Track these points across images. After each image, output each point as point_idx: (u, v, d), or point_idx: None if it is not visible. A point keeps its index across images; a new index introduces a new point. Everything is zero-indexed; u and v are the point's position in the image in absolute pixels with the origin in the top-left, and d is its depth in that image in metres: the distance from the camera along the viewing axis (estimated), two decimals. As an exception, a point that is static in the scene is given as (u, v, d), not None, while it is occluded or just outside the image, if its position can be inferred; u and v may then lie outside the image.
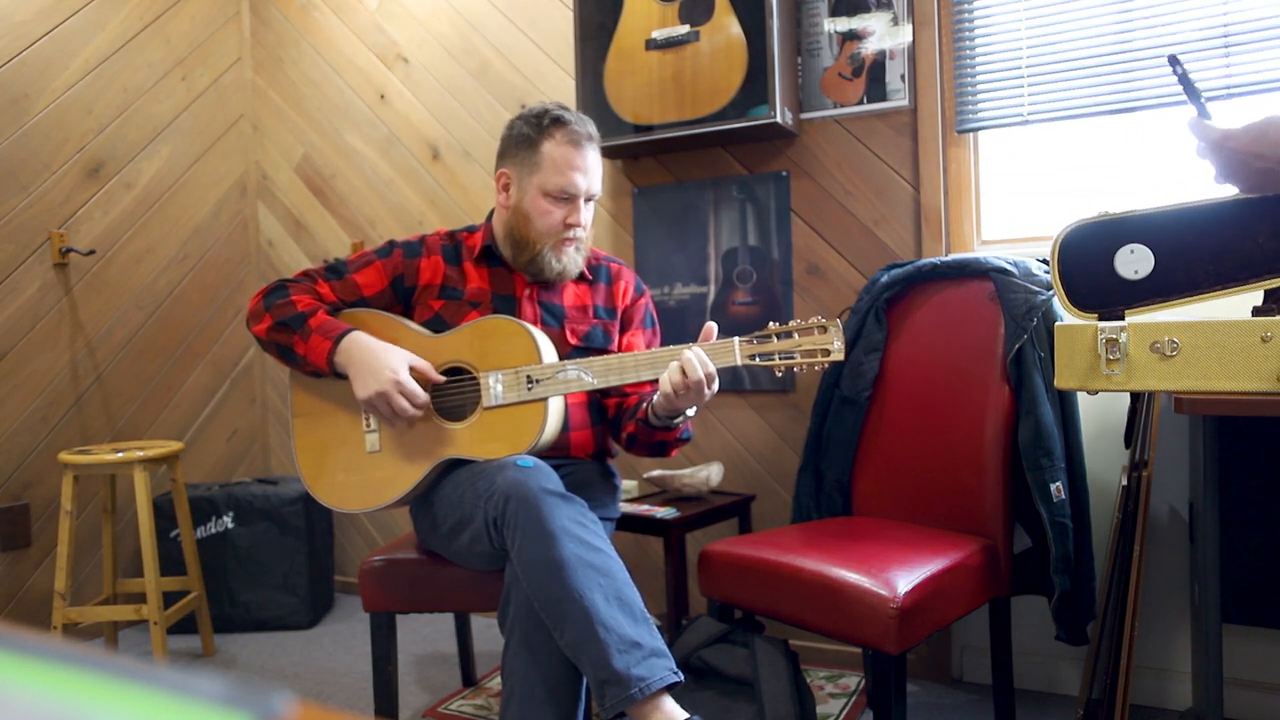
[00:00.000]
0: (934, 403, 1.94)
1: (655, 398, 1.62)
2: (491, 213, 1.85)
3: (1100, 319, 1.44)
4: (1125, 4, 2.01)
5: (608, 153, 2.41)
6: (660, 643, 1.37)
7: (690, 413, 1.64)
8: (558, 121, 1.68)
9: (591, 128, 1.73)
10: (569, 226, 1.71)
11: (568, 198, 1.70)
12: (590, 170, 1.71)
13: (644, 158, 2.57)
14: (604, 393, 1.81)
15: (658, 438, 1.72)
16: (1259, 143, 1.15)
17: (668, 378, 1.52)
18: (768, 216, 2.42)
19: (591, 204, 1.76)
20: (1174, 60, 1.27)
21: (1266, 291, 1.45)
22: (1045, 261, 1.87)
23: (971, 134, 2.23)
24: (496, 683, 2.31)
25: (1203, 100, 1.26)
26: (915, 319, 2.02)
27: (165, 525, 2.70)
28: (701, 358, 1.51)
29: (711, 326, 1.57)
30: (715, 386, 1.53)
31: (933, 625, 1.54)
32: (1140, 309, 1.51)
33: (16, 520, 2.59)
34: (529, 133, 1.70)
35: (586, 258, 1.82)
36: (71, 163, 2.74)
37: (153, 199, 2.98)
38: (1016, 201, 2.24)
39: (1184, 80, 1.27)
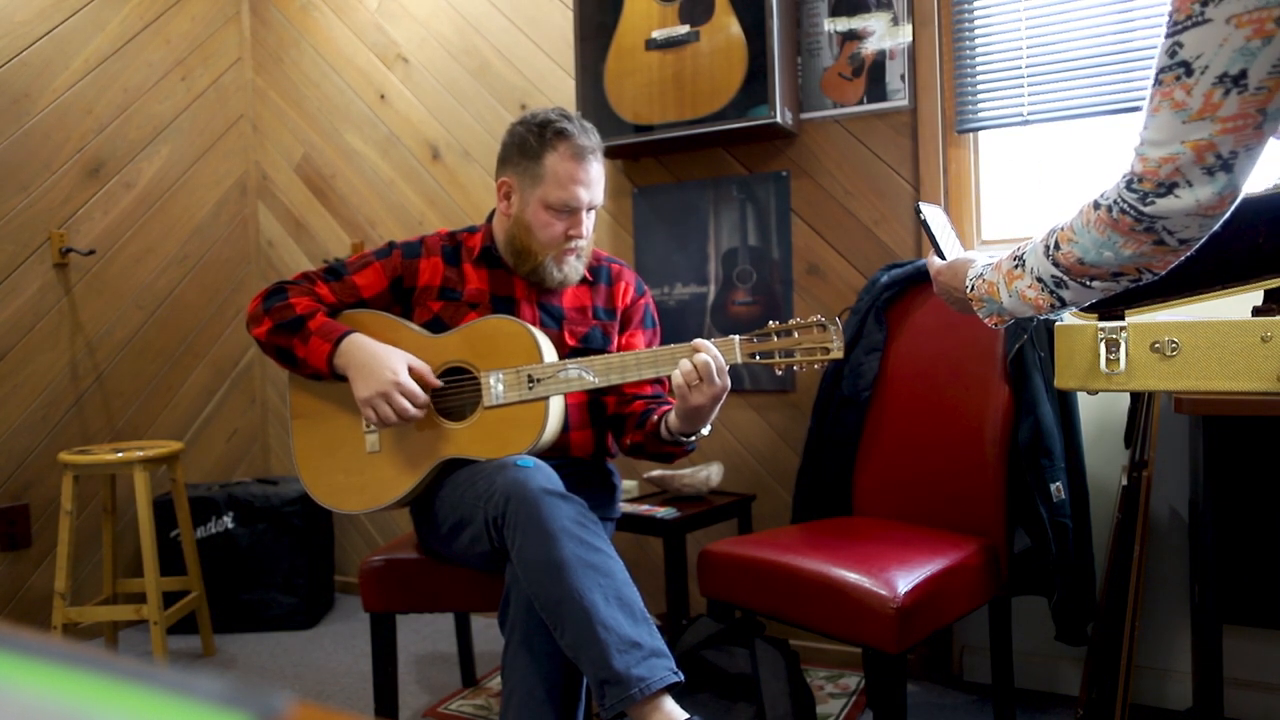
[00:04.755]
0: (934, 403, 1.94)
1: (670, 415, 1.62)
2: (492, 213, 1.85)
3: (1100, 319, 1.44)
4: (1125, 4, 2.01)
5: (608, 153, 2.41)
6: (660, 643, 1.37)
7: (705, 431, 1.64)
8: (561, 134, 1.67)
9: (595, 138, 1.72)
10: (570, 238, 1.71)
11: (570, 210, 1.69)
12: (593, 183, 1.71)
13: (644, 158, 2.57)
14: (603, 392, 1.81)
15: (666, 450, 1.72)
16: (954, 277, 1.33)
17: (679, 370, 1.52)
18: (768, 216, 2.42)
19: (593, 213, 1.75)
20: (917, 209, 1.45)
21: (1266, 291, 1.46)
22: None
23: (971, 134, 2.23)
24: (496, 683, 2.31)
25: (937, 242, 1.42)
26: (915, 319, 2.02)
27: (165, 525, 2.70)
28: (710, 348, 1.51)
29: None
30: (727, 381, 1.53)
31: (933, 625, 1.54)
32: (1140, 309, 1.51)
33: (16, 520, 2.59)
34: (532, 143, 1.68)
35: (588, 261, 1.82)
36: (71, 163, 2.75)
37: (153, 199, 2.98)
38: (1016, 201, 2.24)
39: (924, 226, 1.44)
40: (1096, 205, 1.05)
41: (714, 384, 1.51)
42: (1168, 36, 0.93)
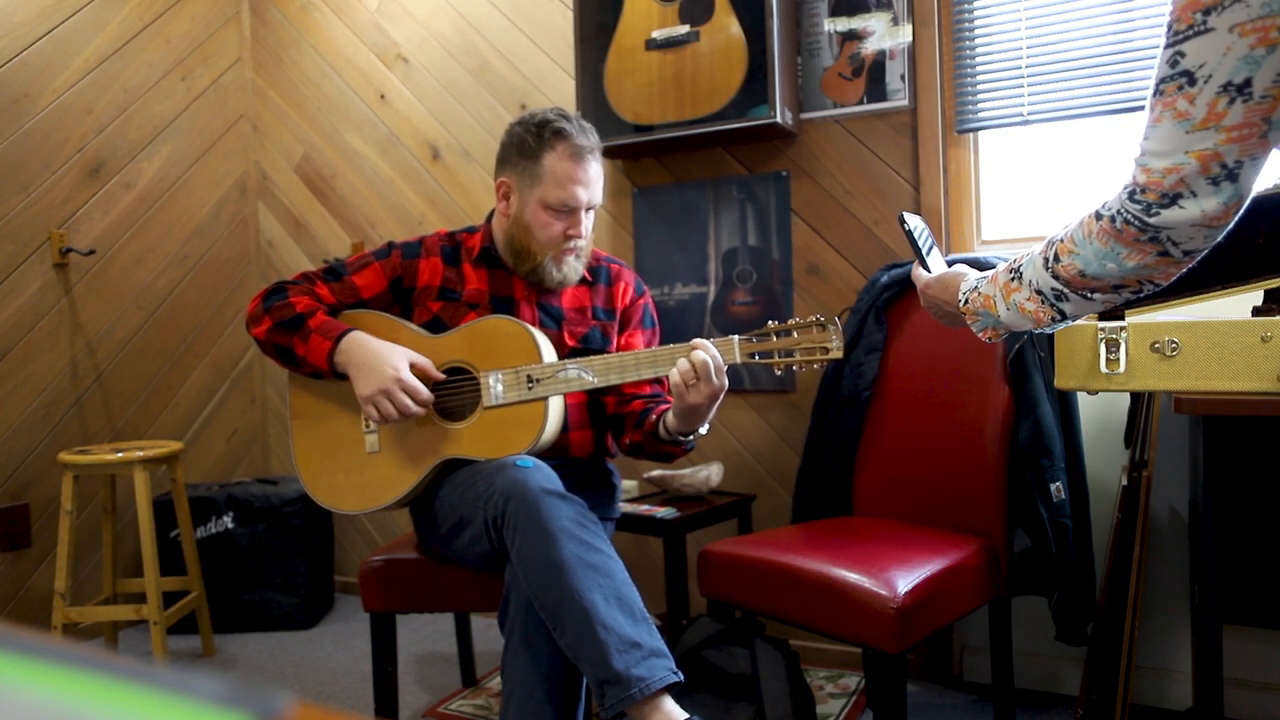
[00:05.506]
0: (934, 403, 1.94)
1: (669, 414, 1.62)
2: (491, 213, 1.85)
3: (1100, 319, 1.44)
4: (1125, 4, 2.01)
5: (607, 153, 2.41)
6: (660, 643, 1.37)
7: (703, 430, 1.64)
8: (559, 134, 1.67)
9: (593, 138, 1.72)
10: (569, 238, 1.71)
11: (569, 210, 1.69)
12: (592, 183, 1.70)
13: (644, 158, 2.57)
14: (603, 392, 1.81)
15: (665, 449, 1.72)
16: (944, 291, 1.33)
17: (677, 369, 1.52)
18: (768, 216, 2.42)
19: (592, 213, 1.75)
20: (901, 219, 1.43)
21: (1266, 291, 1.46)
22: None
23: (971, 134, 2.23)
24: (496, 683, 2.31)
25: (923, 254, 1.40)
26: (915, 319, 2.02)
27: (165, 525, 2.70)
28: (709, 347, 1.51)
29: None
30: (725, 381, 1.53)
31: (933, 625, 1.54)
32: (1140, 309, 1.51)
33: (16, 520, 2.59)
34: (530, 143, 1.68)
35: (587, 262, 1.82)
36: (71, 163, 2.75)
37: (153, 199, 2.98)
38: (1016, 201, 2.24)
39: (909, 237, 1.42)
40: (1098, 216, 1.04)
41: (711, 383, 1.51)
42: (1168, 46, 0.92)
